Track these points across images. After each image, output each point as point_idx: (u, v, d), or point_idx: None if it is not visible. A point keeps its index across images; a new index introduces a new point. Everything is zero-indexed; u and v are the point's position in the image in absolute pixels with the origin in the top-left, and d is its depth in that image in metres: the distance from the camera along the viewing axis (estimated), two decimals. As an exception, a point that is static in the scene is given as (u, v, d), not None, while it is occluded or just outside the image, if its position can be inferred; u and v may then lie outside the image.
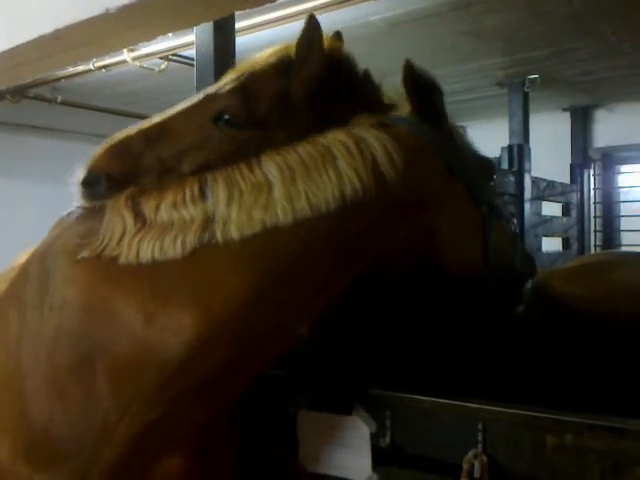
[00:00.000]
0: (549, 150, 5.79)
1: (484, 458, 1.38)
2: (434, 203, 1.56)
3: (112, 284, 1.39)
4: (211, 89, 1.63)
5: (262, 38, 3.40)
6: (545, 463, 1.34)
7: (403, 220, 1.52)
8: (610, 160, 6.41)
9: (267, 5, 1.79)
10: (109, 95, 5.51)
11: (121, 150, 1.55)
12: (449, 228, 1.59)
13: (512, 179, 4.23)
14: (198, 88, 2.30)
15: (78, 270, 1.42)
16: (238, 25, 2.86)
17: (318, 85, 1.58)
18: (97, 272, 1.40)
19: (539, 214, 4.46)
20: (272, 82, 1.59)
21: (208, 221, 1.36)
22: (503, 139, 5.13)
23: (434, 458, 1.48)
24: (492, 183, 1.83)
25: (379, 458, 1.54)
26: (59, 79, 4.80)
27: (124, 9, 1.74)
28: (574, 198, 5.28)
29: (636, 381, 1.73)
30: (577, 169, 6.12)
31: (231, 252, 1.35)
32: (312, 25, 1.56)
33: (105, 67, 4.44)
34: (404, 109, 1.65)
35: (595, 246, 6.05)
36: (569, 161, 6.24)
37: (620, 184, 6.45)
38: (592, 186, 6.23)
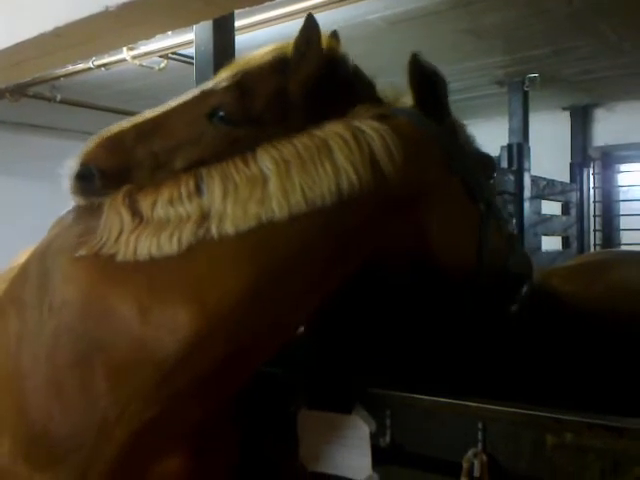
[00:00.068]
0: (549, 149, 5.79)
1: (484, 457, 1.38)
2: (430, 197, 1.54)
3: (110, 282, 1.38)
4: (206, 85, 1.62)
5: (262, 36, 3.40)
6: (545, 462, 1.34)
7: (399, 214, 1.50)
8: (610, 159, 6.41)
9: (266, 3, 1.79)
10: (109, 93, 5.51)
11: (113, 144, 1.54)
12: (443, 224, 1.57)
13: (512, 178, 4.23)
14: (198, 86, 2.30)
15: (77, 268, 1.41)
16: (238, 23, 2.86)
17: (315, 84, 1.58)
18: (95, 270, 1.40)
19: (539, 213, 4.47)
20: (268, 80, 1.58)
21: (204, 217, 1.35)
22: (503, 138, 5.13)
23: (434, 457, 1.48)
24: (492, 181, 1.82)
25: (379, 457, 1.53)
26: (58, 77, 4.80)
27: (124, 7, 1.74)
28: (574, 197, 5.29)
29: (635, 380, 1.73)
30: (577, 168, 6.12)
31: (227, 248, 1.34)
32: (310, 24, 1.56)
33: (105, 65, 4.44)
34: (402, 103, 1.64)
35: (595, 245, 6.06)
36: (569, 160, 6.24)
37: (620, 183, 6.46)
38: (592, 185, 6.23)
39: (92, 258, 1.39)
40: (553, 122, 6.35)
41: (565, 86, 5.53)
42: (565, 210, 5.06)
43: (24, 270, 1.55)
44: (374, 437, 1.54)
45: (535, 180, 4.45)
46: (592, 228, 6.06)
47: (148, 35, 2.13)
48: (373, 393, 1.57)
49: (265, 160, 1.38)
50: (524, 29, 4.08)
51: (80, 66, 4.48)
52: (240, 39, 2.68)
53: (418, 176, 1.52)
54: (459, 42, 4.26)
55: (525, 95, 5.28)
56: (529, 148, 4.79)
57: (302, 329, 1.71)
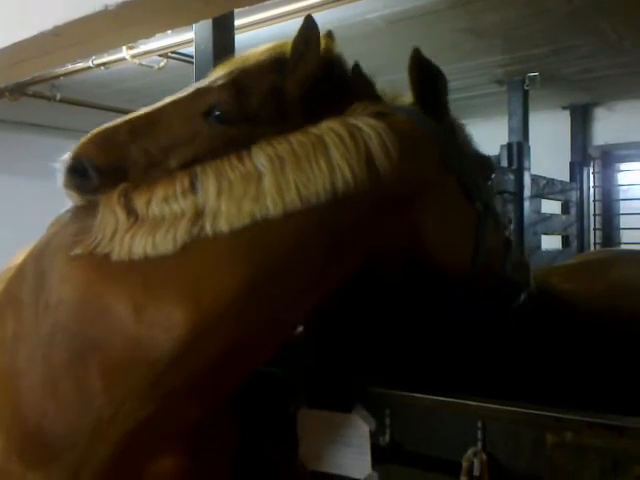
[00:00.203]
0: (549, 148, 5.79)
1: (484, 456, 1.38)
2: (426, 196, 1.53)
3: (105, 281, 1.38)
4: (202, 83, 1.61)
5: (261, 35, 3.39)
6: (545, 461, 1.34)
7: (395, 212, 1.49)
8: (610, 158, 6.40)
9: (266, 2, 1.79)
10: (108, 93, 5.50)
11: (106, 139, 1.53)
12: (439, 223, 1.56)
13: (512, 177, 4.23)
14: (197, 86, 2.30)
15: (73, 267, 1.41)
16: (237, 22, 2.86)
17: (312, 84, 1.58)
18: (91, 269, 1.39)
19: (538, 212, 4.46)
20: (265, 79, 1.58)
21: (198, 214, 1.35)
22: (502, 137, 5.13)
23: (434, 456, 1.47)
24: (490, 183, 1.81)
25: (379, 456, 1.53)
26: (58, 76, 4.80)
27: (123, 6, 1.74)
28: (574, 196, 5.29)
29: (636, 379, 1.73)
30: (577, 167, 6.12)
31: (221, 245, 1.33)
32: (309, 25, 1.55)
33: (104, 64, 4.44)
34: (400, 101, 1.64)
35: (595, 244, 6.05)
36: (569, 159, 6.24)
37: (620, 182, 6.45)
38: (592, 184, 6.23)
39: (87, 257, 1.39)
40: (553, 121, 6.35)
41: (565, 85, 5.53)
42: (565, 209, 5.06)
43: (21, 270, 1.55)
44: (374, 436, 1.54)
45: (535, 179, 4.45)
46: (592, 227, 6.05)
47: (148, 34, 2.13)
48: (373, 392, 1.57)
49: (260, 157, 1.37)
50: (524, 28, 4.07)
51: (80, 65, 4.48)
52: (240, 38, 2.68)
53: (414, 174, 1.51)
54: (458, 41, 4.26)
55: (525, 94, 5.27)
56: (529, 147, 4.79)
57: (301, 329, 1.71)
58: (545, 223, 4.56)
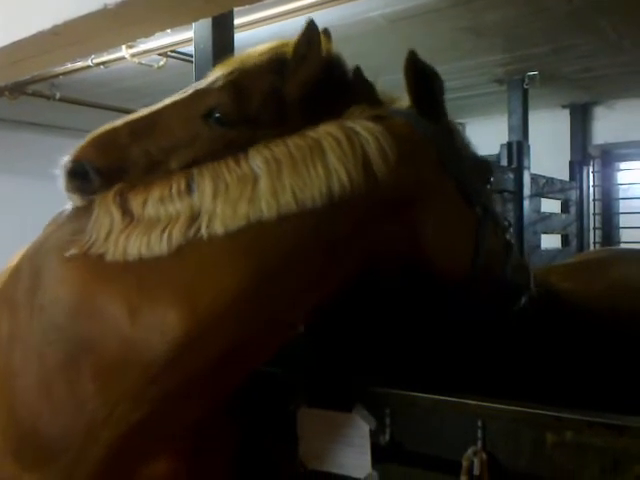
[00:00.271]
0: (548, 147, 5.79)
1: (484, 455, 1.38)
2: (424, 200, 1.52)
3: (99, 282, 1.37)
4: (201, 84, 1.61)
5: (261, 34, 3.39)
6: (545, 460, 1.34)
7: (392, 216, 1.48)
8: (609, 157, 6.41)
9: (266, 1, 1.78)
10: (108, 92, 5.50)
11: (105, 141, 1.52)
12: (438, 227, 1.55)
13: (511, 176, 4.23)
14: (197, 85, 2.30)
15: (67, 268, 1.40)
16: (237, 21, 2.85)
17: (312, 86, 1.57)
18: (85, 269, 1.38)
19: (538, 211, 4.47)
20: (265, 81, 1.57)
21: (193, 216, 1.34)
22: (502, 136, 5.13)
23: (434, 455, 1.47)
24: (489, 186, 1.79)
25: (379, 455, 1.53)
26: (57, 76, 4.80)
27: (122, 5, 1.74)
28: (573, 195, 5.29)
29: (635, 378, 1.73)
30: (576, 166, 6.12)
31: (217, 248, 1.32)
32: (311, 27, 1.54)
33: (104, 64, 4.44)
34: (399, 105, 1.63)
35: (594, 243, 6.06)
36: (568, 158, 6.24)
37: (619, 181, 6.46)
38: (591, 183, 6.24)
39: (82, 257, 1.38)
40: (553, 120, 6.35)
41: (565, 84, 5.53)
42: (565, 208, 5.06)
43: (17, 270, 1.54)
44: (374, 435, 1.54)
45: (535, 178, 4.45)
46: (592, 226, 6.06)
47: (147, 33, 2.12)
48: (373, 391, 1.57)
49: (256, 159, 1.37)
50: (524, 27, 4.07)
51: (79, 64, 4.48)
52: (239, 37, 2.67)
53: (412, 178, 1.50)
54: (459, 40, 4.25)
55: (525, 93, 5.28)
56: (529, 146, 4.79)
57: (301, 329, 1.70)
58: (545, 222, 4.56)
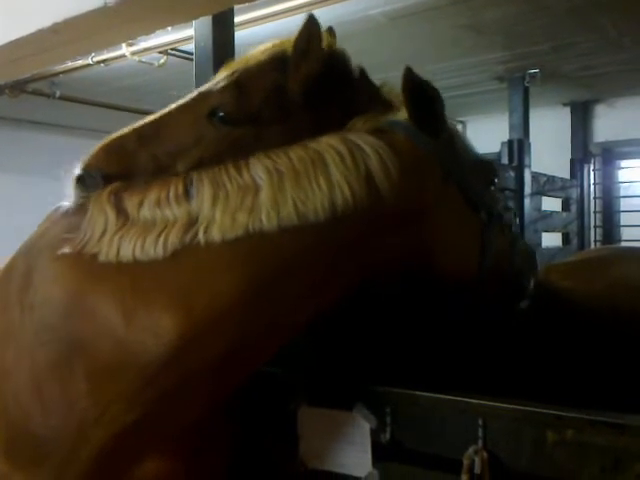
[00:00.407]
0: (549, 145, 5.79)
1: (484, 454, 1.38)
2: (428, 213, 1.52)
3: (92, 282, 1.36)
4: (205, 87, 1.61)
5: (261, 32, 3.39)
6: (546, 459, 1.34)
7: (396, 230, 1.47)
8: (610, 155, 6.40)
9: (266, -1, 1.78)
10: (108, 90, 5.49)
11: (116, 148, 1.53)
12: (443, 237, 1.55)
13: (512, 174, 4.23)
14: (197, 83, 2.30)
15: (59, 267, 1.39)
16: (237, 19, 2.85)
17: (314, 81, 1.57)
18: (78, 269, 1.37)
19: (539, 209, 4.47)
20: (267, 78, 1.57)
21: (191, 222, 1.33)
22: (503, 134, 5.13)
23: (434, 454, 1.47)
24: (493, 187, 1.79)
25: (379, 454, 1.53)
26: (58, 74, 4.79)
27: (123, 3, 1.74)
28: (574, 193, 5.29)
29: (636, 377, 1.72)
30: (577, 164, 6.12)
31: (214, 254, 1.32)
32: (311, 23, 1.55)
33: (104, 62, 4.43)
34: (403, 111, 1.62)
35: (595, 241, 6.06)
36: (569, 156, 6.24)
37: (620, 179, 6.46)
38: (592, 181, 6.23)
39: (75, 256, 1.37)
40: (553, 118, 6.35)
41: (565, 82, 5.53)
42: (565, 206, 5.06)
43: (9, 268, 1.53)
44: (374, 434, 1.53)
45: (535, 176, 4.45)
46: (592, 224, 6.06)
47: (147, 31, 2.12)
48: (373, 390, 1.56)
49: (258, 169, 1.36)
50: (524, 25, 4.07)
51: (79, 62, 4.48)
52: (240, 35, 2.67)
53: (415, 193, 1.49)
54: (459, 38, 4.25)
55: (525, 91, 5.27)
56: (529, 144, 4.79)
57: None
58: (545, 220, 4.56)
